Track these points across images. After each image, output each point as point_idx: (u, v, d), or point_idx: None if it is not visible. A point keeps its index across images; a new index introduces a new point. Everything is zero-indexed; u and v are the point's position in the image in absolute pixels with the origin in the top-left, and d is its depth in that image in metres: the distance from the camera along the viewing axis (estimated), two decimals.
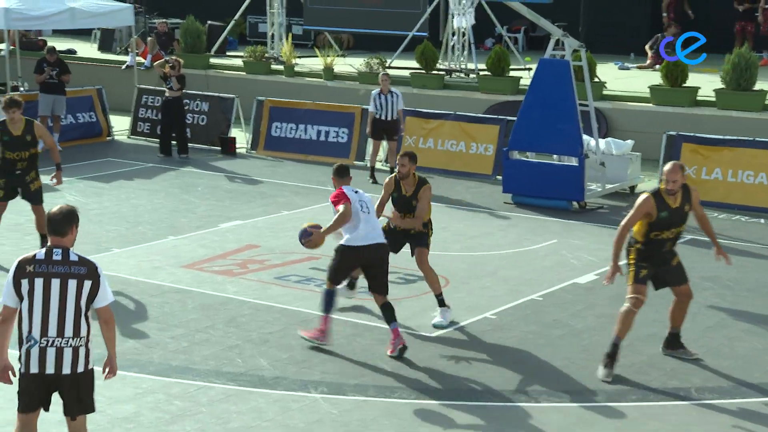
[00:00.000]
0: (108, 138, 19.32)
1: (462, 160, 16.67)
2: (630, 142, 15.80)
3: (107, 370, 6.25)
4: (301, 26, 24.32)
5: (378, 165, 16.44)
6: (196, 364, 8.72)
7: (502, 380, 8.47)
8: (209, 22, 23.99)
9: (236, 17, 23.94)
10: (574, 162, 14.52)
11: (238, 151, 18.21)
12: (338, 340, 9.29)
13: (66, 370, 5.97)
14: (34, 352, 5.94)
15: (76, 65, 21.16)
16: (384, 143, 16.23)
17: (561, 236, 13.04)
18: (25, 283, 5.94)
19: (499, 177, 15.52)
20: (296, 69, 21.43)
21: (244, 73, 21.61)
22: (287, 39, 22.11)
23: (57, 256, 6.00)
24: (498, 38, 24.42)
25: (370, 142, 16.47)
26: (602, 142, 15.54)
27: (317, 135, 17.99)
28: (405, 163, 9.64)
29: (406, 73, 20.49)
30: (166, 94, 17.91)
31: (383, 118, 15.79)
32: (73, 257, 6.03)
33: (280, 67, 21.63)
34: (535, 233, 13.19)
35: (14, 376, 6.10)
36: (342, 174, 9.34)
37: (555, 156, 15.09)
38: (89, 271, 6.03)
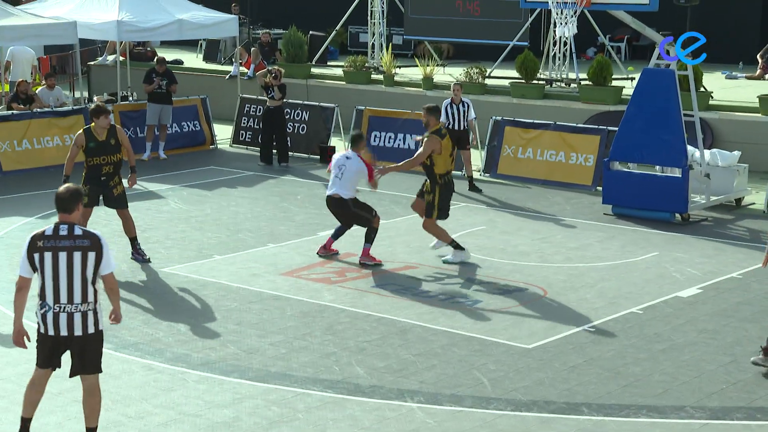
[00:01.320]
0: (211, 146, 19.72)
1: (562, 170, 16.48)
2: (737, 153, 15.38)
3: (113, 317, 7.03)
4: (402, 36, 24.42)
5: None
6: (294, 370, 8.80)
7: (600, 394, 8.32)
8: (311, 32, 24.28)
9: (338, 28, 24.18)
10: (677, 173, 14.21)
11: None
12: (435, 349, 9.27)
13: (77, 331, 6.73)
14: (50, 317, 6.70)
15: (183, 75, 21.65)
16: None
17: (663, 249, 12.76)
18: (36, 256, 6.67)
19: (600, 188, 15.29)
20: (396, 78, 21.52)
21: (345, 83, 21.80)
22: (387, 49, 22.23)
23: (63, 231, 6.67)
24: (600, 47, 24.09)
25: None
26: (707, 153, 15.17)
27: (416, 144, 17.95)
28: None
29: (506, 82, 20.37)
30: (268, 104, 18.20)
31: (455, 128, 15.63)
32: (77, 231, 6.70)
33: (380, 77, 21.76)
34: (637, 245, 12.94)
35: (29, 341, 6.83)
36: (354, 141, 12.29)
37: (657, 167, 14.79)
38: (93, 243, 6.69)
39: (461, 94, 15.98)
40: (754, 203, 15.22)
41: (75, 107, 18.42)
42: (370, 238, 12.03)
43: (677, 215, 14.15)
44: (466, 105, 15.86)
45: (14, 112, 17.69)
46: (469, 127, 15.96)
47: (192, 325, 9.91)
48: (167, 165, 17.97)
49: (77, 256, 6.64)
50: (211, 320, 10.03)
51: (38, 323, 6.79)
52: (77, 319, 6.70)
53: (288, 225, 13.87)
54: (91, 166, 11.69)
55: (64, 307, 6.67)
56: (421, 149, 11.84)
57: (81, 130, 11.86)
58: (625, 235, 13.45)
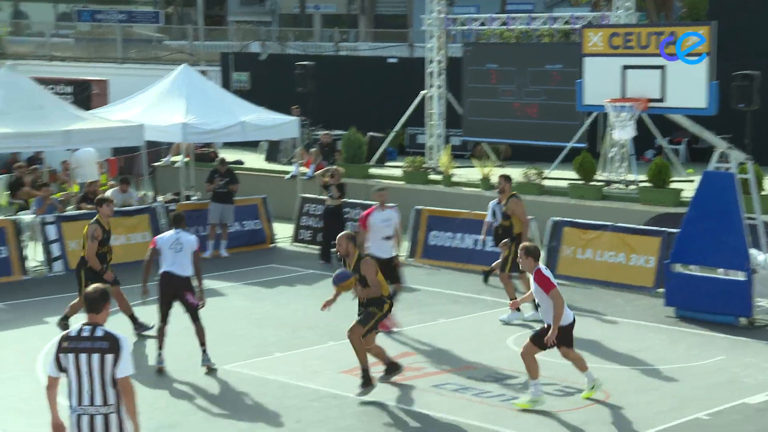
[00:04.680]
0: (271, 245, 19.96)
1: (622, 271, 16.35)
2: None
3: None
4: (460, 137, 24.72)
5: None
6: None
7: None
8: (370, 133, 24.71)
9: (396, 129, 24.59)
10: (740, 276, 14.03)
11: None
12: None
13: None
14: (73, 419, 6.67)
15: (244, 175, 22.09)
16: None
17: (729, 353, 12.52)
18: (62, 357, 6.69)
19: (661, 290, 15.13)
20: (454, 179, 21.72)
21: (403, 183, 22.04)
22: (445, 149, 22.51)
23: (85, 332, 6.68)
24: (659, 149, 24.12)
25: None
26: None
27: (474, 244, 18.06)
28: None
29: (564, 183, 20.44)
30: (327, 203, 18.45)
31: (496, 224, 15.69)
32: (98, 333, 6.68)
33: (438, 177, 21.98)
34: (702, 348, 12.72)
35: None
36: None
37: (720, 270, 14.62)
38: (111, 345, 6.64)
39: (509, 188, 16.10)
40: None
41: (141, 207, 18.84)
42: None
43: (742, 319, 13.92)
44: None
45: (83, 211, 18.15)
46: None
47: (252, 422, 9.91)
48: (228, 263, 18.20)
49: (96, 358, 6.61)
50: (271, 418, 10.03)
51: (73, 425, 6.75)
52: (98, 422, 6.63)
53: (348, 322, 13.86)
54: (100, 255, 12.31)
55: (86, 410, 6.64)
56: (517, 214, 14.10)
57: (94, 223, 12.40)
58: (688, 338, 13.24)
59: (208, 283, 16.35)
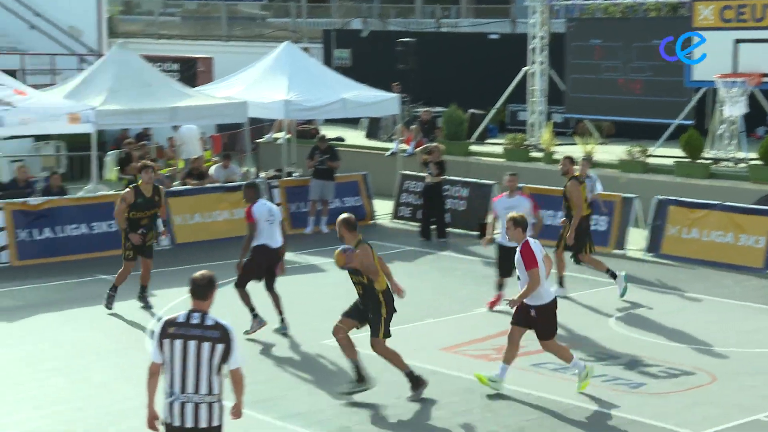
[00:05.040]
0: (371, 221, 20.05)
1: (730, 251, 15.93)
2: None
3: (234, 412, 6.79)
4: (561, 114, 24.37)
5: None
6: None
7: None
8: (470, 110, 24.56)
9: (497, 106, 24.38)
10: None
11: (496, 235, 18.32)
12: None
13: (202, 424, 6.51)
14: (176, 407, 6.51)
15: (345, 152, 22.21)
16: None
17: None
18: (167, 343, 6.51)
19: None
20: (555, 156, 21.43)
21: (504, 160, 21.86)
22: (547, 126, 22.23)
23: (195, 319, 6.52)
24: None
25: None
26: None
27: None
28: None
29: (669, 161, 19.98)
30: (427, 180, 18.43)
31: None
32: (209, 321, 6.52)
33: (539, 155, 21.73)
34: None
35: (162, 425, 6.63)
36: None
37: None
38: (222, 335, 6.50)
39: (588, 168, 15.89)
40: None
41: (243, 182, 19.12)
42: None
43: None
44: (592, 179, 15.95)
45: (188, 187, 18.54)
46: (595, 200, 15.93)
47: (352, 398, 9.99)
48: (329, 239, 18.35)
49: (206, 347, 6.46)
50: (372, 393, 10.09)
51: (164, 414, 6.62)
52: (203, 410, 6.51)
53: (448, 300, 13.89)
54: (131, 220, 12.68)
55: (191, 398, 6.50)
56: (573, 199, 14.00)
57: (130, 188, 12.93)
58: None
59: (309, 259, 16.58)
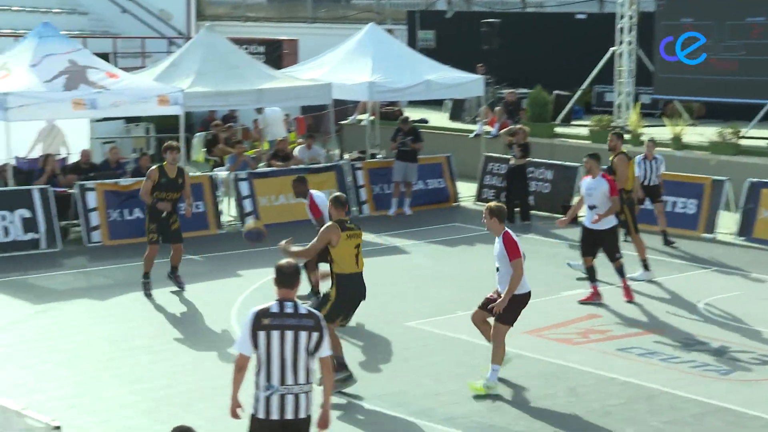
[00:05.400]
0: (455, 204, 19.99)
1: None
2: None
3: (323, 406, 6.54)
4: (650, 95, 23.89)
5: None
6: (537, 431, 8.67)
7: None
8: (556, 91, 24.25)
9: (583, 87, 24.02)
10: None
11: (580, 219, 18.09)
12: (685, 418, 8.88)
13: (302, 414, 6.40)
14: (275, 400, 6.32)
15: (428, 134, 22.16)
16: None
17: None
18: (261, 334, 6.31)
19: None
20: (642, 138, 21.02)
21: (589, 142, 21.54)
22: (635, 108, 21.82)
23: (288, 309, 6.38)
24: None
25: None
26: None
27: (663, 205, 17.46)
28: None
29: (763, 143, 19.44)
30: (511, 162, 18.28)
31: (647, 183, 15.85)
32: (302, 310, 6.41)
33: (627, 137, 21.34)
34: None
35: (249, 418, 6.48)
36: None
37: None
38: (316, 323, 6.41)
39: (654, 149, 16.13)
40: None
41: (327, 164, 19.26)
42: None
43: None
44: (658, 161, 16.07)
45: (273, 168, 18.73)
46: (660, 182, 16.08)
47: (435, 379, 10.01)
48: (412, 221, 18.39)
49: (303, 335, 6.34)
50: (455, 376, 10.09)
51: (255, 408, 6.42)
52: (302, 400, 6.40)
53: (531, 283, 13.72)
54: (155, 202, 12.70)
55: (291, 389, 6.35)
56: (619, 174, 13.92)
57: (154, 167, 12.94)
58: None
59: (392, 241, 16.61)
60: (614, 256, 12.77)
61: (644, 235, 15.68)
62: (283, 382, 6.33)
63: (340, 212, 9.55)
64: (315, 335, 6.38)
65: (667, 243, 16.16)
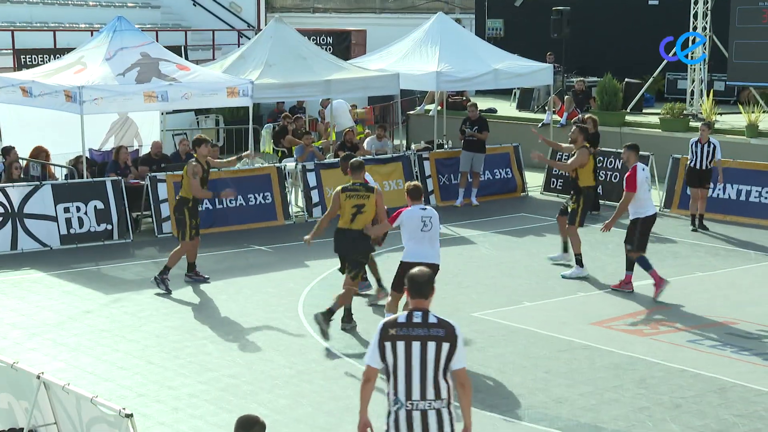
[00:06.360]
0: (522, 194, 19.84)
1: None
2: None
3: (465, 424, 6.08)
4: (724, 82, 23.38)
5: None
6: (605, 423, 8.57)
7: None
8: (626, 79, 23.87)
9: (655, 75, 23.61)
10: None
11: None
12: (759, 411, 8.69)
13: None
14: (402, 415, 5.94)
15: (496, 123, 22.02)
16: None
17: None
18: (388, 346, 5.95)
19: None
20: (716, 126, 20.60)
21: (661, 131, 21.18)
22: (708, 95, 21.37)
23: (417, 318, 5.98)
24: None
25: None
26: None
27: (737, 194, 17.12)
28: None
29: None
30: None
31: (697, 167, 16.13)
32: (432, 319, 5.98)
33: (699, 125, 20.92)
34: None
35: None
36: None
37: None
38: (447, 333, 5.96)
39: (708, 134, 16.24)
40: None
41: (395, 155, 19.25)
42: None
43: None
44: (712, 145, 16.14)
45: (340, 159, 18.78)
46: (713, 167, 16.15)
47: (501, 371, 9.95)
48: (479, 211, 18.29)
49: (431, 346, 5.90)
50: (521, 367, 10.02)
51: (387, 424, 6.03)
52: (432, 418, 5.91)
53: (598, 274, 13.61)
54: (196, 198, 12.68)
55: (417, 404, 5.91)
56: (573, 159, 13.43)
57: (194, 161, 12.84)
58: None
59: (459, 231, 16.54)
60: (626, 246, 12.74)
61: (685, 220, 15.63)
62: (409, 396, 5.92)
63: (356, 176, 11.06)
64: (445, 346, 5.91)
65: (701, 227, 16.20)
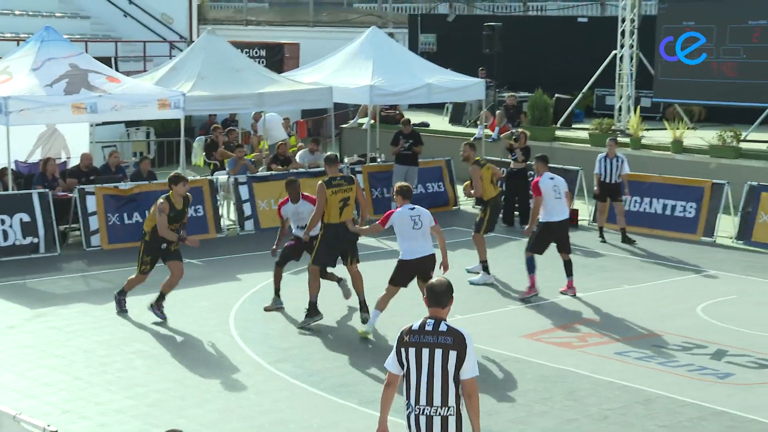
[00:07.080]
0: (454, 207, 19.97)
1: None
2: None
3: None
4: (650, 99, 23.88)
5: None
6: None
7: None
8: (557, 95, 24.23)
9: (584, 90, 24.01)
10: None
11: (580, 223, 18.09)
12: (683, 422, 8.86)
13: None
14: (411, 420, 6.12)
15: (428, 137, 22.15)
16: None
17: None
18: (403, 352, 6.15)
19: None
20: (643, 141, 21.01)
21: (590, 146, 21.53)
22: (635, 111, 21.80)
23: (429, 326, 6.12)
24: None
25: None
26: None
27: (663, 209, 17.47)
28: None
29: (763, 146, 19.42)
30: (512, 166, 18.25)
31: (607, 181, 16.62)
32: (442, 327, 6.11)
33: (627, 140, 21.33)
34: None
35: None
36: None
37: None
38: (456, 341, 6.06)
39: (615, 149, 16.90)
40: None
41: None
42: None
43: None
44: (620, 159, 16.78)
45: (273, 172, 18.72)
46: (622, 181, 16.70)
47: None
48: None
49: (438, 353, 6.05)
50: None
51: (408, 426, 6.21)
52: (436, 424, 6.04)
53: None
54: (155, 234, 11.76)
55: (423, 409, 6.08)
56: (468, 182, 14.17)
57: (163, 199, 11.85)
58: None
59: (391, 245, 16.55)
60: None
61: (606, 234, 16.00)
62: (417, 401, 6.09)
63: (332, 169, 11.60)
64: (453, 354, 6.04)
65: (627, 241, 16.52)
